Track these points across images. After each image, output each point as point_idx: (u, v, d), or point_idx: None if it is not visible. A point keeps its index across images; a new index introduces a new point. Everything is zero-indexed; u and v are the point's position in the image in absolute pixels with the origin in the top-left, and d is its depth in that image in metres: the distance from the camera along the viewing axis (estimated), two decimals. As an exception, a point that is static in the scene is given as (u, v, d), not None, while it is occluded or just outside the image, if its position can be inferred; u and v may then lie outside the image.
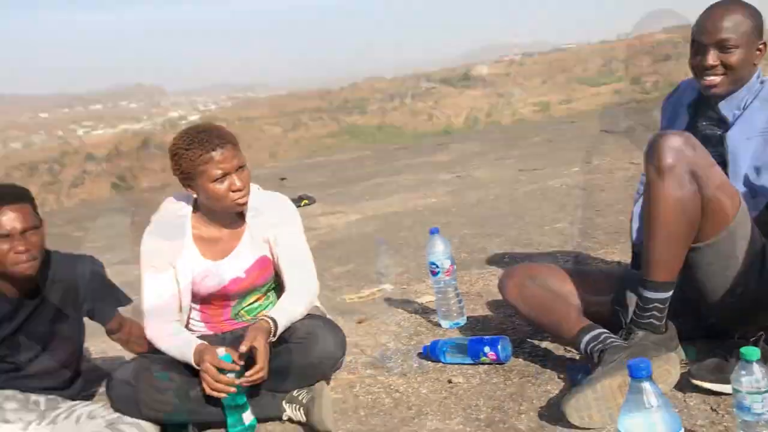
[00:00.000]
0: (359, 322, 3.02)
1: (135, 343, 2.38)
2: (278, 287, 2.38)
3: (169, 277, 2.22)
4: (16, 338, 2.15)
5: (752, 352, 1.52)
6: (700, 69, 2.07)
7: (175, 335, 2.18)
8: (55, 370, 2.23)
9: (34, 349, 2.18)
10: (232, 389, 2.00)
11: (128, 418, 2.06)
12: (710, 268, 1.94)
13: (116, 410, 2.09)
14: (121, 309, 2.37)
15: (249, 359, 2.04)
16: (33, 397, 2.17)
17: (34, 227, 2.06)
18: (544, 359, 2.33)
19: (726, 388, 1.73)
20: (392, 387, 2.34)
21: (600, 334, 1.98)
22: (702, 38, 2.04)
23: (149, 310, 2.21)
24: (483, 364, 2.36)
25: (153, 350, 2.22)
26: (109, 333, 2.38)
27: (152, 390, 2.07)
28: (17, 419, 2.10)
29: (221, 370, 1.99)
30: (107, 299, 2.30)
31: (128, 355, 2.45)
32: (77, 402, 2.20)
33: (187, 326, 2.30)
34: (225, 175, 2.10)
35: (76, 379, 2.32)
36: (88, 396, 2.37)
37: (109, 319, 2.32)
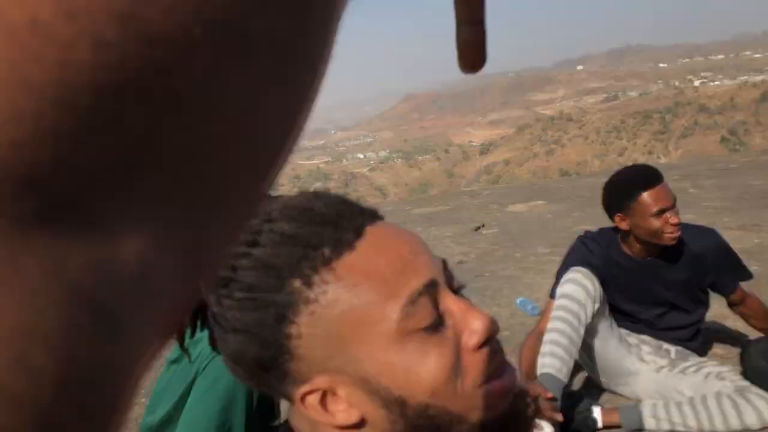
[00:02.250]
0: None
1: (754, 317, 2.41)
2: None
3: None
4: (644, 297, 2.41)
5: None
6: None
7: None
8: (682, 327, 2.42)
9: (661, 308, 2.41)
10: None
11: (758, 389, 2.11)
12: None
13: (748, 378, 2.16)
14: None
15: None
16: (665, 345, 2.43)
17: (675, 200, 2.25)
18: None
19: None
20: None
21: None
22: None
23: None
24: None
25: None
26: (731, 305, 2.45)
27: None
28: (651, 361, 2.39)
29: None
30: (731, 272, 2.36)
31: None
32: (706, 360, 2.36)
33: None
34: None
35: (698, 335, 2.46)
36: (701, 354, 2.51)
37: (731, 292, 2.39)
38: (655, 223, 2.25)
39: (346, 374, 0.63)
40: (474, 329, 0.65)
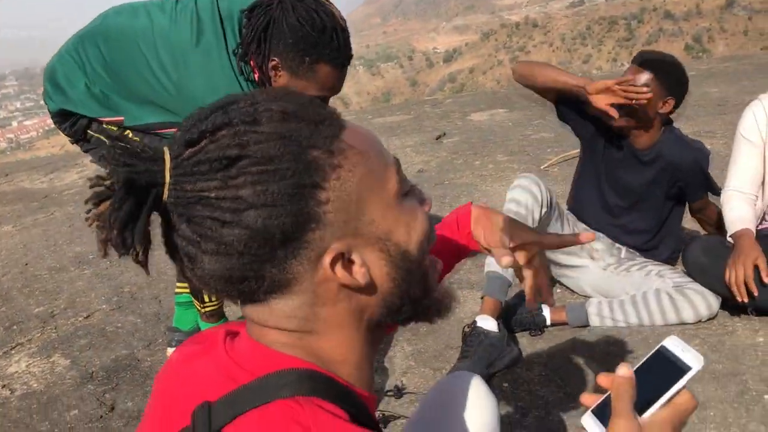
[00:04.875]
0: None
1: (709, 224, 2.54)
2: None
3: (758, 152, 2.27)
4: (617, 180, 2.50)
5: None
6: None
7: (737, 211, 2.25)
8: (638, 228, 2.51)
9: (628, 199, 2.50)
10: None
11: (696, 285, 2.24)
12: None
13: (687, 275, 2.29)
14: None
15: None
16: (617, 245, 2.53)
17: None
18: None
19: None
20: None
21: None
22: None
23: (731, 176, 2.32)
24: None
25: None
26: (692, 211, 2.55)
27: (722, 267, 2.19)
28: (600, 258, 2.50)
29: None
30: (700, 186, 2.43)
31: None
32: (651, 261, 2.47)
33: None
34: None
35: (657, 247, 2.56)
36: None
37: (696, 200, 2.49)
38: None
39: (362, 236, 0.69)
40: (421, 195, 0.78)
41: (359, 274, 0.69)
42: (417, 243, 0.73)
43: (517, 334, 2.35)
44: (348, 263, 0.69)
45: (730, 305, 2.26)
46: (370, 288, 0.71)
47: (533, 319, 2.33)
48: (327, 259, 0.67)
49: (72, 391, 2.38)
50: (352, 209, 0.68)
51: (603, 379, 0.82)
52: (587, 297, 2.51)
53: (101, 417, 2.19)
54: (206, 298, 2.33)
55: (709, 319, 2.24)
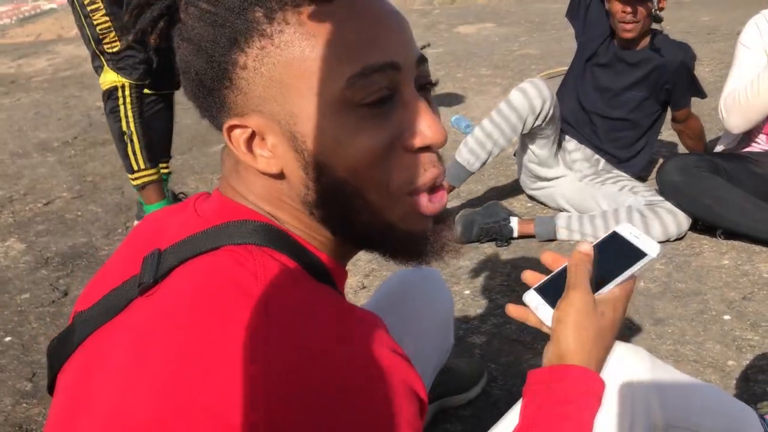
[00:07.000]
0: None
1: (690, 137, 2.51)
2: None
3: (759, 62, 2.22)
4: (607, 88, 2.46)
5: None
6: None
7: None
8: (618, 137, 2.48)
9: (617, 110, 2.45)
10: None
11: (668, 204, 2.20)
12: None
13: (661, 194, 2.24)
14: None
15: None
16: (596, 156, 2.48)
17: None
18: None
19: None
20: None
21: None
22: None
23: (731, 79, 2.27)
24: None
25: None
26: (674, 120, 2.52)
27: (695, 187, 2.15)
28: (578, 170, 2.46)
29: None
30: (687, 89, 2.41)
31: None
32: (626, 176, 2.43)
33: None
34: None
35: (633, 158, 2.51)
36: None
37: (682, 107, 2.45)
38: (613, 6, 2.33)
39: (278, 124, 0.62)
40: (420, 130, 0.63)
41: (263, 158, 0.64)
42: (345, 165, 0.61)
43: (483, 244, 2.31)
44: (260, 142, 0.63)
45: (699, 227, 2.24)
46: (280, 182, 0.65)
47: (500, 230, 2.30)
48: (227, 124, 0.63)
49: (25, 275, 2.32)
50: (271, 89, 0.61)
51: (548, 256, 0.84)
52: (558, 212, 2.47)
53: (53, 302, 2.14)
54: (134, 165, 2.18)
55: (677, 239, 2.22)
